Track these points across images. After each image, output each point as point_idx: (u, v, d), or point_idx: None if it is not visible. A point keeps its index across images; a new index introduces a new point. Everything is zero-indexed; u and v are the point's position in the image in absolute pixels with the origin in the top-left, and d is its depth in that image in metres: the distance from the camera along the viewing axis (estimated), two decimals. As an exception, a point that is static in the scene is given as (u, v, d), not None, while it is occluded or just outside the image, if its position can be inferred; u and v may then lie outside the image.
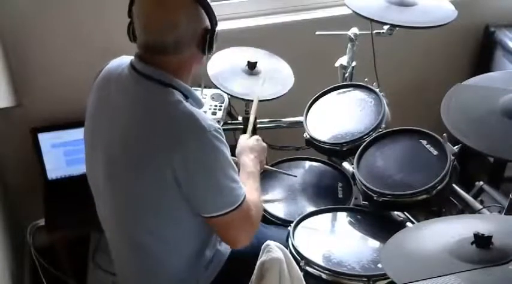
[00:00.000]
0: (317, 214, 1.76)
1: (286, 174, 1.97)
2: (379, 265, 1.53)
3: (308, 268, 1.54)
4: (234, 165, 1.45)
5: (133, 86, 1.41)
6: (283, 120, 2.20)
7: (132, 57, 1.44)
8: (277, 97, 2.01)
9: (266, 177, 1.96)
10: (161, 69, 1.39)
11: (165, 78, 1.39)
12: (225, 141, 1.41)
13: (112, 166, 1.45)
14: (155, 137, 1.37)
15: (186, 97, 1.42)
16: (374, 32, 2.02)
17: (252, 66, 2.07)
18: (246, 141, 1.77)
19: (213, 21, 1.40)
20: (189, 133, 1.35)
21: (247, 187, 1.52)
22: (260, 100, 1.97)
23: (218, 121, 2.02)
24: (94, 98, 1.51)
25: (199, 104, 1.47)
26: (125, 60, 1.47)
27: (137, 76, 1.41)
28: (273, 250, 1.40)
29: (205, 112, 2.03)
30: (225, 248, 1.62)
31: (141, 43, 1.40)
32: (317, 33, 2.10)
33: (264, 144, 1.80)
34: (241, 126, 2.09)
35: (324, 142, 1.87)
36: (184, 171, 1.35)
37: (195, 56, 1.42)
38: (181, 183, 1.37)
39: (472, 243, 1.16)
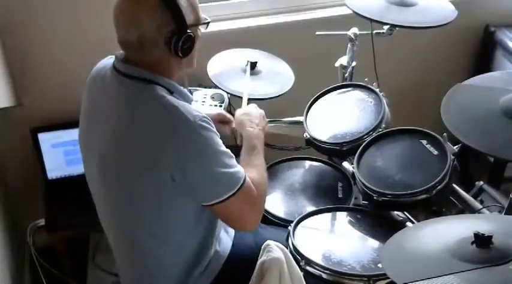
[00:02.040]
0: (317, 214, 1.76)
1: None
2: (379, 265, 1.53)
3: (308, 268, 1.54)
4: (226, 150, 1.42)
5: (116, 86, 1.42)
6: (283, 120, 2.20)
7: (115, 57, 1.44)
8: (277, 96, 2.01)
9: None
10: (140, 66, 1.39)
11: (145, 75, 1.39)
12: (213, 128, 1.39)
13: (105, 168, 1.45)
14: (144, 136, 1.37)
15: (171, 92, 1.41)
16: (374, 32, 2.02)
17: (252, 66, 2.07)
18: (242, 112, 1.75)
19: (181, 26, 1.37)
20: (175, 128, 1.34)
21: (249, 165, 1.50)
22: (260, 99, 1.98)
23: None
24: (85, 100, 1.52)
25: (185, 98, 1.45)
26: (109, 60, 1.48)
27: (119, 77, 1.41)
28: (273, 249, 1.40)
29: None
30: (224, 249, 1.61)
31: (118, 38, 1.41)
32: (317, 33, 2.10)
33: (261, 110, 1.77)
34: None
35: (324, 142, 1.87)
36: (177, 165, 1.34)
37: (169, 57, 1.41)
38: (177, 178, 1.36)
39: (472, 243, 1.16)
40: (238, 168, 1.43)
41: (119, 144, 1.40)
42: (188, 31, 1.39)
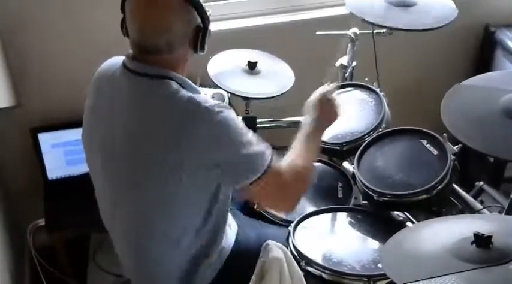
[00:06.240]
0: (317, 214, 1.76)
1: None
2: (379, 265, 1.53)
3: (308, 268, 1.54)
4: (250, 133, 1.40)
5: (127, 86, 1.40)
6: (283, 119, 2.20)
7: (124, 57, 1.43)
8: (277, 96, 2.01)
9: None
10: (153, 65, 1.38)
11: (159, 72, 1.38)
12: (231, 111, 1.38)
13: (112, 168, 1.44)
14: (160, 133, 1.35)
15: (183, 87, 1.41)
16: (374, 31, 2.02)
17: (252, 66, 2.07)
18: (319, 95, 1.68)
19: (205, 20, 1.39)
20: (195, 119, 1.33)
21: (293, 152, 1.51)
22: (261, 99, 1.98)
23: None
24: (90, 100, 1.51)
25: (195, 92, 1.44)
26: (115, 61, 1.46)
27: (131, 75, 1.39)
28: (274, 250, 1.40)
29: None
30: (227, 247, 1.60)
31: (134, 42, 1.39)
32: (317, 33, 2.10)
33: (337, 102, 1.69)
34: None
35: (324, 142, 1.87)
36: (200, 156, 1.34)
37: (188, 54, 1.42)
38: (201, 169, 1.35)
39: (472, 243, 1.16)
40: (263, 150, 1.41)
41: (128, 142, 1.39)
42: (208, 25, 1.40)
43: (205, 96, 1.40)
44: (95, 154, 1.48)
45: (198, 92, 1.46)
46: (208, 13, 1.45)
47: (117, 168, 1.44)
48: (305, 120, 1.64)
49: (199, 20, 1.38)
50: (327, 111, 1.67)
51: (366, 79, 2.01)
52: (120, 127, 1.40)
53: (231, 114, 1.37)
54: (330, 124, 1.68)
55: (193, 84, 1.45)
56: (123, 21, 1.42)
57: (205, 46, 1.43)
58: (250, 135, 1.40)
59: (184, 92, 1.37)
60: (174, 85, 1.38)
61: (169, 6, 1.33)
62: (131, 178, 1.42)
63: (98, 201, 1.57)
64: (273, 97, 2.01)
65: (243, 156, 1.37)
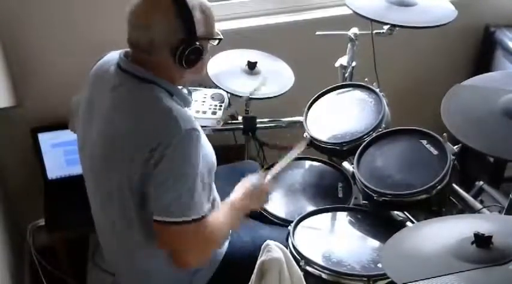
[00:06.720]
0: (317, 214, 1.76)
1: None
2: (379, 265, 1.53)
3: (308, 268, 1.54)
4: (204, 178, 1.38)
5: (117, 84, 1.42)
6: (283, 119, 2.20)
7: (120, 55, 1.44)
8: (277, 96, 2.02)
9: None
10: (143, 67, 1.39)
11: (146, 75, 1.39)
12: (200, 143, 1.37)
13: (95, 167, 1.46)
14: (132, 134, 1.36)
15: (171, 94, 1.41)
16: (374, 32, 2.02)
17: (252, 66, 2.07)
18: (253, 181, 1.64)
19: (190, 37, 1.37)
20: (164, 131, 1.33)
21: (221, 216, 1.47)
22: (261, 99, 1.98)
23: (218, 121, 2.02)
24: (85, 94, 1.51)
25: (185, 102, 1.45)
26: (112, 57, 1.48)
27: (121, 74, 1.41)
28: (273, 249, 1.39)
29: (204, 112, 2.04)
30: (220, 250, 1.60)
31: (127, 37, 1.41)
32: (317, 33, 2.10)
33: (265, 199, 1.69)
34: (241, 126, 2.09)
35: (324, 142, 1.88)
36: (153, 167, 1.33)
37: (171, 64, 1.39)
38: (146, 180, 1.34)
39: (472, 243, 1.16)
40: (203, 202, 1.38)
41: (107, 141, 1.40)
42: (196, 43, 1.38)
43: (188, 112, 1.40)
44: (85, 150, 1.50)
45: (188, 102, 1.47)
46: (217, 35, 1.45)
47: (98, 168, 1.45)
48: (236, 193, 1.60)
49: (183, 34, 1.36)
50: (253, 200, 1.62)
51: (366, 79, 2.01)
52: (105, 122, 1.41)
53: (197, 144, 1.35)
54: (254, 209, 1.65)
55: (184, 93, 1.46)
56: None
57: (193, 63, 1.40)
58: (202, 177, 1.38)
59: (166, 101, 1.37)
60: (157, 91, 1.38)
61: (157, 7, 1.35)
62: (107, 174, 1.42)
63: (88, 196, 1.57)
64: (273, 97, 2.01)
65: (182, 190, 1.34)
